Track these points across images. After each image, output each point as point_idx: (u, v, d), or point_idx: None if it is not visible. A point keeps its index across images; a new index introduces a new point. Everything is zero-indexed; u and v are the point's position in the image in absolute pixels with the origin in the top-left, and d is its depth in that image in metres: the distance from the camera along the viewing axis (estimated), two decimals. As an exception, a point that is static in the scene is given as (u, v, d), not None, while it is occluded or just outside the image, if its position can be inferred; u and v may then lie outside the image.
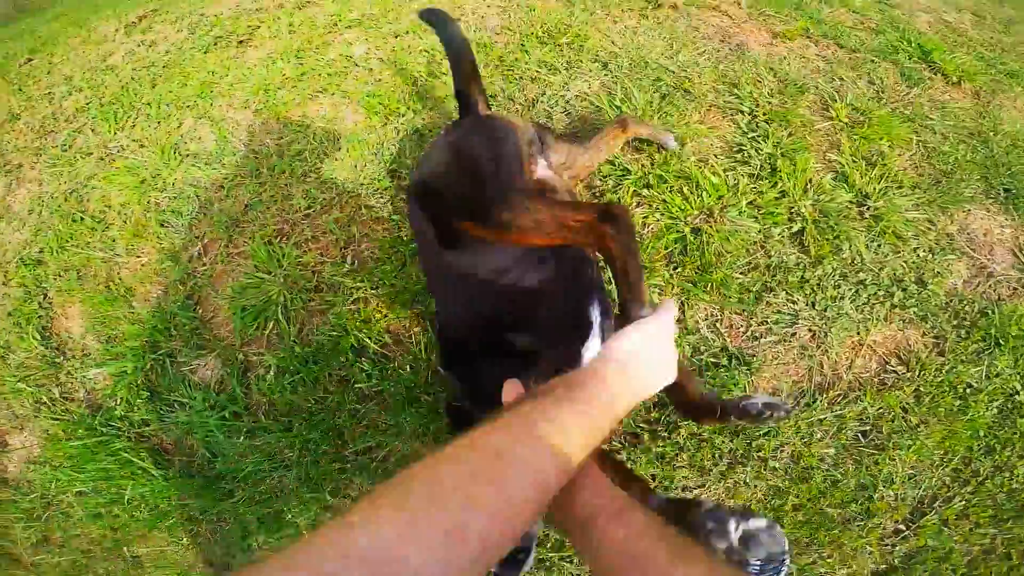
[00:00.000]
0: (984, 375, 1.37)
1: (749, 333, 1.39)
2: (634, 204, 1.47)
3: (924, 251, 1.45)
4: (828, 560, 1.36)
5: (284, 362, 1.39)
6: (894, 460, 1.35)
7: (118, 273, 1.61)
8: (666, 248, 1.42)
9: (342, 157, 1.59)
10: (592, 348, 0.95)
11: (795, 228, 1.44)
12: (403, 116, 1.66)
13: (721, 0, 1.97)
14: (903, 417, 1.36)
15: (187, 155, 1.73)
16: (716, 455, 1.33)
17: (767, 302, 1.38)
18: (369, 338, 1.37)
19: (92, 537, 1.61)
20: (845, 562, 1.37)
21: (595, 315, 0.97)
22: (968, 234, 1.51)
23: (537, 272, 0.98)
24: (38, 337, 1.64)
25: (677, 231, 1.42)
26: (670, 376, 0.77)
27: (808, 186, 1.49)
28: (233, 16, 2.24)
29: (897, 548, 1.37)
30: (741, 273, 1.40)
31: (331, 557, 0.39)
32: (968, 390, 1.37)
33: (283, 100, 1.76)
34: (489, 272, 0.99)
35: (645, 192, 1.47)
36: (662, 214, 1.45)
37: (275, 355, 1.40)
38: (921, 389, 1.36)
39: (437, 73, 1.75)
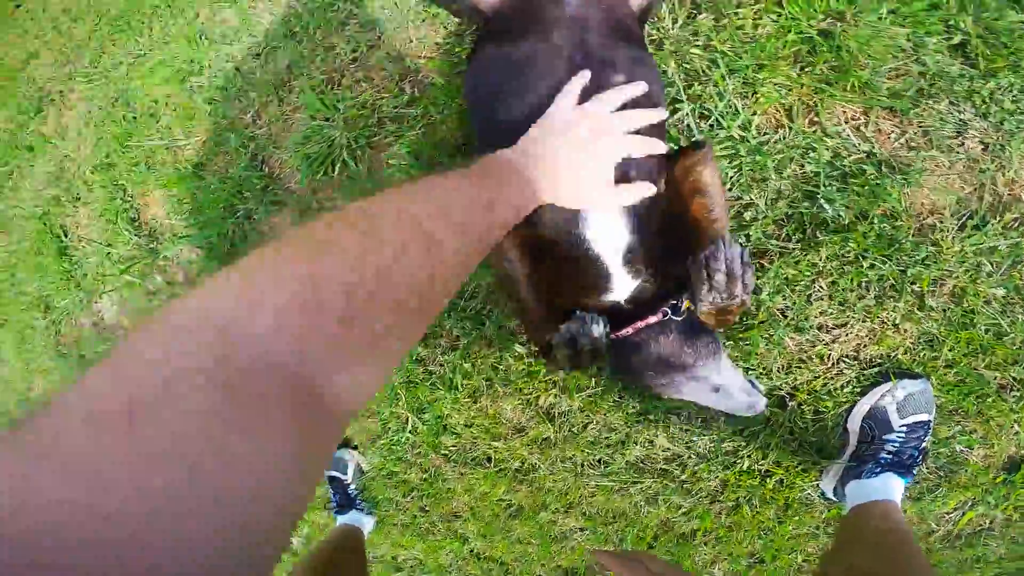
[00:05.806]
0: None
1: (904, 141, 1.18)
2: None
3: None
4: (969, 435, 1.20)
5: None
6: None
7: (182, 154, 1.67)
8: (789, 47, 1.19)
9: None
10: None
11: (955, 41, 1.16)
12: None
13: None
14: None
15: (215, 38, 1.75)
16: (863, 284, 1.14)
17: (924, 107, 1.15)
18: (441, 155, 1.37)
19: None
20: (986, 439, 1.21)
21: None
22: None
23: None
24: (130, 229, 1.76)
25: (799, 32, 1.18)
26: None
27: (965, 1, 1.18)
28: None
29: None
30: (888, 78, 1.18)
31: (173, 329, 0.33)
32: None
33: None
34: None
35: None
36: (776, 17, 1.20)
37: (346, 196, 1.48)
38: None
39: None
